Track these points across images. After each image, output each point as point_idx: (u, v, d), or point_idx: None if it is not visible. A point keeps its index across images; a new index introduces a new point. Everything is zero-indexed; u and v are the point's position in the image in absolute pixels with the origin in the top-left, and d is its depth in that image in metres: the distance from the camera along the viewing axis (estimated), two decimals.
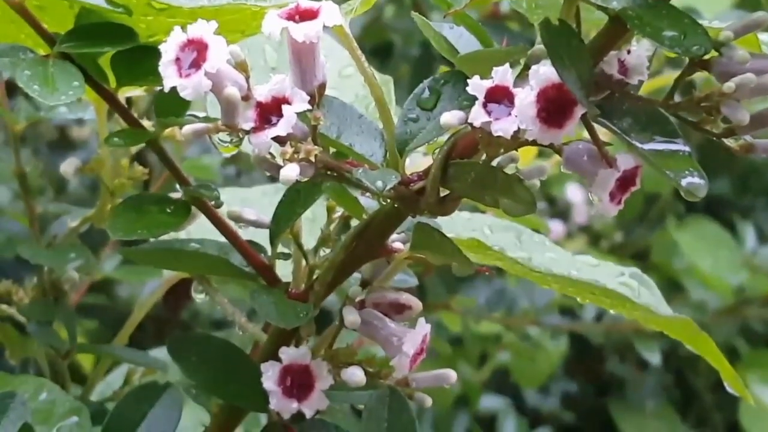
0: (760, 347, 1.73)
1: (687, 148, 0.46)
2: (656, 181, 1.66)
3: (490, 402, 1.59)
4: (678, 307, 1.63)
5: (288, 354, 0.51)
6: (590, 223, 1.73)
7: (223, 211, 0.55)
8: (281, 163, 0.46)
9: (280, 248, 0.56)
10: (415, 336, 0.51)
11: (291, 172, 0.45)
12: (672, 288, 1.76)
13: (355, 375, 0.50)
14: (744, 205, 1.90)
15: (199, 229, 0.59)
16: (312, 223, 0.60)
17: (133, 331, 0.73)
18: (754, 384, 1.70)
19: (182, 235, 0.67)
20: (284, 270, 0.57)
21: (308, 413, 0.51)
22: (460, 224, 0.60)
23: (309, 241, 0.57)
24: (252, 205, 0.74)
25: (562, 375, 1.73)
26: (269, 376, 0.51)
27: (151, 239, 0.55)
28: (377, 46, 1.52)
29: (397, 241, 0.53)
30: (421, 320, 0.52)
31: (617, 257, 1.70)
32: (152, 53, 0.47)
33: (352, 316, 0.51)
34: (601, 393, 1.78)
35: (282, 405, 0.51)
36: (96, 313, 1.33)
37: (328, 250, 0.55)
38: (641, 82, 0.46)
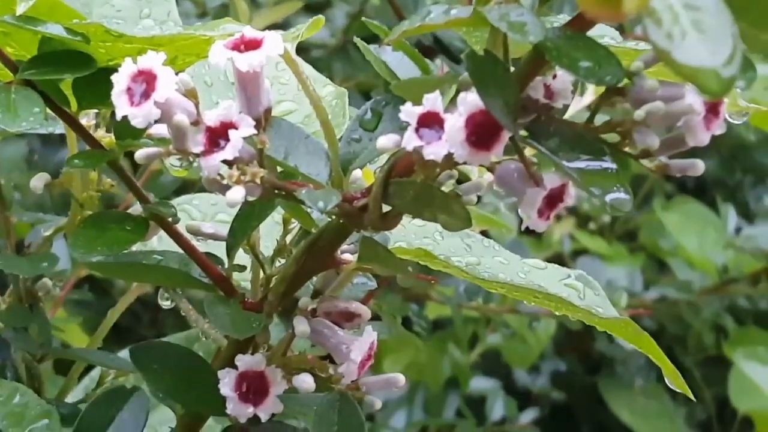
0: (748, 324, 1.75)
1: (614, 166, 0.48)
2: None
3: (480, 383, 1.63)
4: (665, 287, 1.66)
5: (244, 361, 0.54)
6: (578, 205, 1.75)
7: (183, 225, 0.58)
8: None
9: (242, 258, 0.59)
10: (363, 344, 0.54)
11: (236, 194, 0.47)
12: (660, 268, 1.78)
13: (305, 382, 0.53)
14: (733, 183, 1.92)
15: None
16: (281, 226, 0.63)
17: (128, 320, 0.76)
18: (742, 360, 1.73)
19: (155, 241, 0.70)
20: (247, 275, 0.60)
21: (263, 417, 0.54)
22: (412, 231, 0.63)
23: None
24: (223, 210, 0.77)
25: (552, 354, 1.76)
26: (226, 383, 0.53)
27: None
28: (365, 38, 1.53)
29: (347, 252, 0.56)
30: (368, 328, 0.55)
31: (605, 238, 1.73)
32: (110, 78, 0.50)
33: (302, 326, 0.54)
34: (591, 371, 1.81)
35: (238, 410, 0.53)
36: (90, 303, 1.35)
37: (284, 260, 0.58)
38: (566, 106, 0.48)
